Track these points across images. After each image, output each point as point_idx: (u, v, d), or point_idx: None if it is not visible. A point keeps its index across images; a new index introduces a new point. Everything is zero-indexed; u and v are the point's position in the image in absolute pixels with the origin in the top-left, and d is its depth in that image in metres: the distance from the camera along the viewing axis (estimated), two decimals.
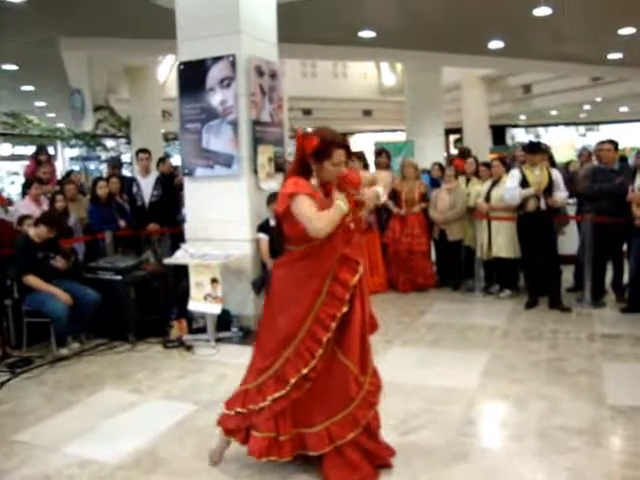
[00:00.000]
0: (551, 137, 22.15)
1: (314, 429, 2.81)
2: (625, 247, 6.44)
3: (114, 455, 3.32)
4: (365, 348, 2.95)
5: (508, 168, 6.84)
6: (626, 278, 6.31)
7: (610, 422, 3.55)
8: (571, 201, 7.30)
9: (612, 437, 3.42)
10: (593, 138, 19.48)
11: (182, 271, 5.53)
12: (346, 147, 2.87)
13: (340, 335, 2.86)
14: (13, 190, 14.28)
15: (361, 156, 7.61)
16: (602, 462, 3.08)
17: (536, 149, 6.31)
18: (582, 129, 23.58)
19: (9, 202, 7.45)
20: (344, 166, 2.89)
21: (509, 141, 23.10)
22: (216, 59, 5.52)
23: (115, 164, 8.66)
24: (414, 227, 7.26)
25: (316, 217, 2.71)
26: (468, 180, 7.41)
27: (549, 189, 6.08)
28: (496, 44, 10.49)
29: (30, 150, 12.71)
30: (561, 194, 6.20)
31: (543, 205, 6.07)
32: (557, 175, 6.25)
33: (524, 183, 6.11)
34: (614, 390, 4.01)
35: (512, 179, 6.25)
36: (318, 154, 2.79)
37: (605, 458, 3.14)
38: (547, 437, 3.36)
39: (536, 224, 6.09)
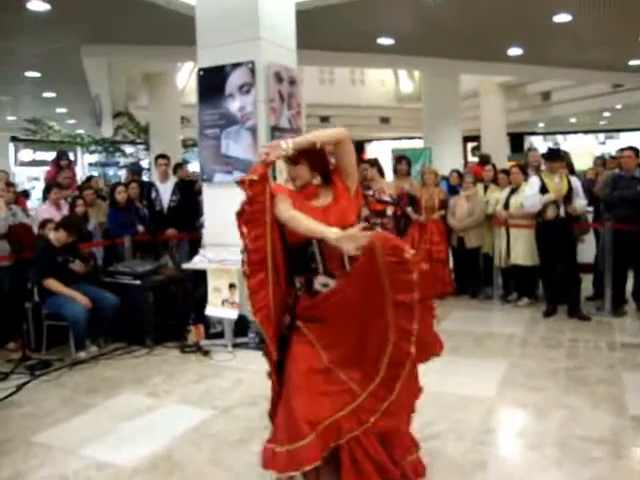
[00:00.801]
0: (570, 145, 21.95)
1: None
2: None
3: (131, 458, 3.34)
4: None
5: (527, 176, 6.80)
6: None
7: (632, 433, 3.50)
8: (589, 209, 7.23)
9: (634, 448, 3.37)
10: (613, 146, 19.28)
11: (200, 276, 5.56)
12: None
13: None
14: (34, 195, 14.44)
15: (375, 163, 7.60)
16: (623, 473, 3.04)
17: (555, 156, 6.27)
18: (602, 137, 23.35)
19: (25, 194, 7.46)
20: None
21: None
22: (235, 65, 5.56)
23: (135, 170, 8.74)
24: (433, 234, 7.23)
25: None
26: (486, 187, 7.37)
27: (568, 197, 6.04)
28: (515, 51, 10.43)
29: (50, 156, 12.85)
30: (581, 202, 6.15)
31: (562, 213, 6.02)
32: (576, 183, 6.20)
33: (543, 190, 6.07)
34: (635, 400, 3.95)
35: (532, 186, 6.21)
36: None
37: (627, 469, 3.10)
38: (567, 447, 3.32)
39: (555, 232, 6.04)
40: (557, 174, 6.11)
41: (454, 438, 3.48)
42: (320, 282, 2.62)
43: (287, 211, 2.56)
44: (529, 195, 6.20)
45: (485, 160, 8.48)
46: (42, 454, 3.44)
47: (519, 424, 3.81)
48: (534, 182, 6.19)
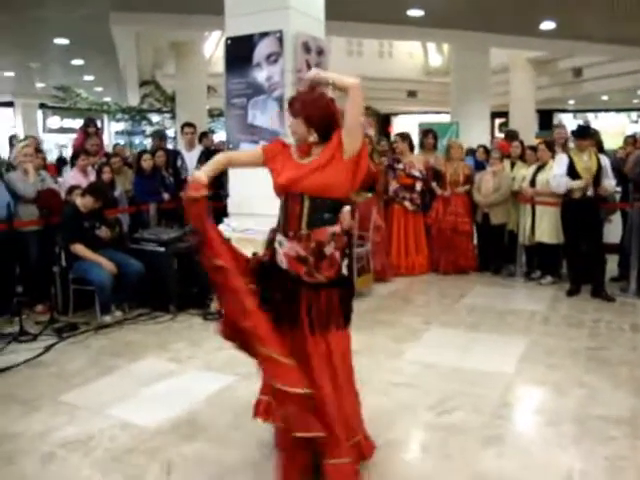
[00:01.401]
0: (601, 123, 21.49)
1: None
2: None
3: (154, 420, 3.42)
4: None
5: (554, 153, 6.70)
6: None
7: None
8: (618, 189, 7.11)
9: None
10: None
11: None
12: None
13: None
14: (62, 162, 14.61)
15: (407, 137, 7.55)
16: None
17: (585, 134, 6.14)
18: (634, 115, 22.82)
19: (63, 161, 7.53)
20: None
21: None
22: (263, 35, 5.52)
23: (160, 136, 8.77)
24: (457, 206, 7.22)
25: None
26: (513, 164, 7.29)
27: (597, 176, 5.94)
28: (547, 25, 10.18)
29: (78, 123, 12.96)
30: (610, 182, 6.05)
31: (590, 192, 5.93)
32: (606, 162, 6.09)
33: (572, 169, 5.97)
34: None
35: (559, 164, 6.11)
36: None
37: None
38: (585, 425, 3.33)
39: (582, 211, 5.96)
40: (586, 152, 6.01)
41: (472, 412, 3.50)
42: (278, 240, 2.68)
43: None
44: (556, 174, 6.11)
45: (511, 136, 8.34)
46: (69, 412, 3.54)
47: (537, 401, 3.82)
48: (562, 160, 6.09)
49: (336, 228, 2.65)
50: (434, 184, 7.29)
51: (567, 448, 3.08)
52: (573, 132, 6.39)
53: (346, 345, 2.73)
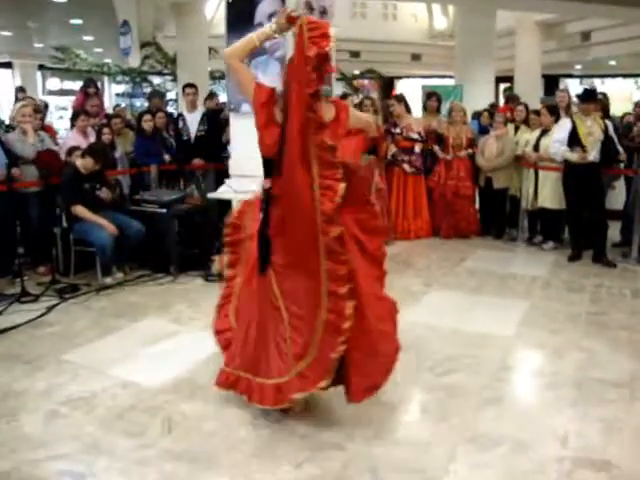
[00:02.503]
0: (607, 89, 21.17)
1: None
2: None
3: (155, 379, 3.46)
4: None
5: (558, 117, 6.61)
6: None
7: None
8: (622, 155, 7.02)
9: None
10: None
11: (226, 206, 5.58)
12: None
13: None
14: (61, 125, 14.46)
15: (402, 99, 7.46)
16: (637, 416, 3.07)
17: (590, 97, 6.02)
18: None
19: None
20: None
21: None
22: None
23: (160, 95, 8.65)
24: (460, 170, 7.16)
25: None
26: (517, 128, 7.21)
27: (603, 142, 5.83)
28: None
29: (78, 85, 12.78)
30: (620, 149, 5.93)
31: (592, 157, 5.85)
32: (612, 129, 5.96)
33: (573, 135, 5.88)
34: None
35: (560, 129, 6.01)
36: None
37: None
38: (582, 388, 3.35)
39: (584, 177, 5.89)
40: (590, 117, 5.91)
41: (472, 374, 3.53)
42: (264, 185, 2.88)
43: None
44: (556, 139, 6.03)
45: (512, 99, 8.24)
46: (71, 371, 3.58)
47: (536, 364, 3.85)
48: (564, 125, 5.99)
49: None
50: (436, 148, 7.22)
51: (564, 410, 3.11)
52: (578, 96, 6.28)
53: None
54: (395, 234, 7.03)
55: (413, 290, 5.19)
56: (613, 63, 19.85)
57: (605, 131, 5.89)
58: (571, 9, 12.26)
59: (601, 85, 22.02)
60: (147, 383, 3.42)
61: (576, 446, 2.78)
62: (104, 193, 5.53)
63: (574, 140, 5.88)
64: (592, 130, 5.85)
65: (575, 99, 6.64)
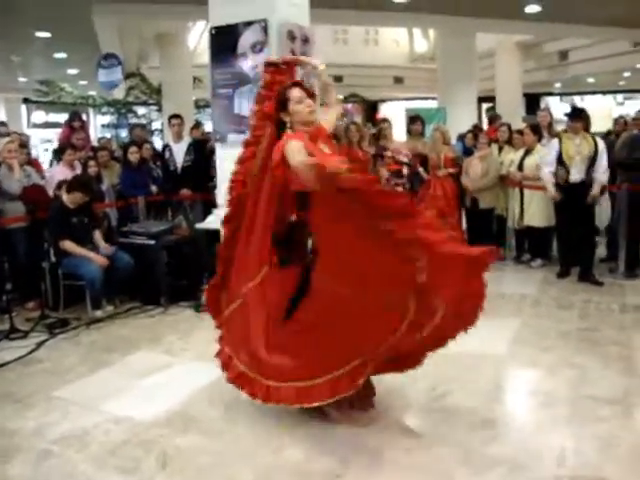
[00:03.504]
0: (587, 106, 21.52)
1: None
2: None
3: (148, 413, 3.42)
4: None
5: (540, 136, 6.70)
6: None
7: None
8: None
9: None
10: (632, 107, 18.91)
11: (213, 236, 5.58)
12: (298, 84, 3.08)
13: None
14: (47, 158, 14.47)
15: (387, 121, 7.56)
16: (632, 432, 3.07)
17: (577, 115, 6.03)
18: (620, 97, 22.88)
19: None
20: (309, 100, 3.00)
21: None
22: (248, 24, 5.47)
23: (142, 126, 8.69)
24: (436, 189, 7.20)
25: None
26: (501, 148, 7.30)
27: (593, 159, 5.84)
28: (532, 8, 10.18)
29: (63, 118, 12.82)
30: (601, 176, 5.90)
31: (583, 176, 5.83)
32: (603, 147, 5.93)
33: (560, 156, 5.90)
34: None
35: (548, 152, 6.01)
36: (281, 104, 2.98)
37: (635, 428, 3.13)
38: (577, 405, 3.36)
39: (576, 195, 5.87)
40: (579, 135, 5.93)
41: (466, 395, 3.53)
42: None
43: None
44: (545, 162, 6.07)
45: (493, 119, 8.36)
46: (63, 408, 3.54)
47: (530, 382, 3.86)
48: (552, 146, 5.99)
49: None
50: (421, 170, 7.28)
51: (559, 429, 3.11)
52: (567, 114, 6.33)
53: None
54: None
55: None
56: (592, 80, 20.20)
57: (595, 148, 5.87)
58: (548, 30, 12.54)
59: (581, 102, 22.40)
60: (140, 417, 3.38)
61: (573, 465, 2.77)
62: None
63: (558, 160, 5.91)
64: (581, 149, 5.85)
65: (559, 117, 6.68)
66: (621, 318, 4.95)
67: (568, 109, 7.38)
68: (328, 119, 3.19)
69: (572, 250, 6.22)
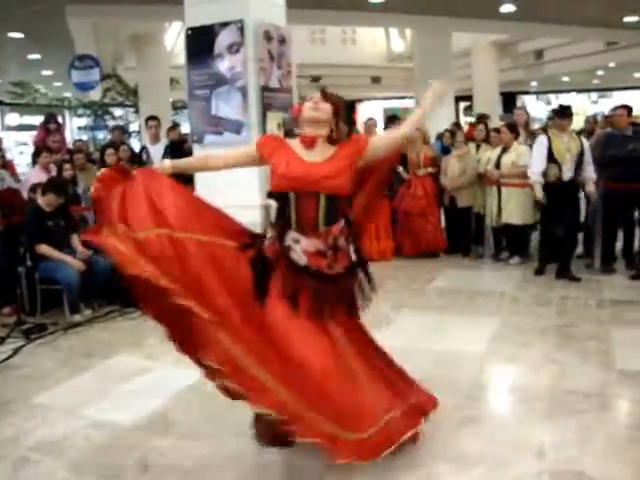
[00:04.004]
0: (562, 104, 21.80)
1: None
2: (637, 214, 6.40)
3: (128, 417, 3.39)
4: None
5: (517, 134, 6.75)
6: (637, 245, 6.28)
7: (618, 386, 3.59)
8: None
9: (620, 400, 3.47)
10: (606, 105, 19.19)
11: None
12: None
13: None
14: (23, 160, 14.26)
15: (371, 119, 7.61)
16: (608, 424, 3.12)
17: (565, 113, 6.02)
18: (594, 96, 23.22)
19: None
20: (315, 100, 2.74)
21: None
22: (224, 24, 5.45)
23: (121, 129, 8.63)
24: (417, 189, 7.26)
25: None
26: (478, 146, 7.36)
27: (580, 158, 5.87)
28: (507, 8, 10.28)
29: (38, 120, 12.66)
30: (591, 174, 5.95)
31: (570, 174, 5.86)
32: (587, 146, 5.98)
33: (549, 153, 5.89)
34: (623, 355, 4.03)
35: (538, 149, 6.00)
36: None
37: (611, 420, 3.20)
38: (555, 400, 3.40)
39: (564, 193, 5.89)
40: (567, 133, 5.95)
41: (445, 393, 3.53)
42: (292, 237, 2.66)
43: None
44: (533, 162, 6.04)
45: (480, 118, 8.44)
46: (42, 414, 3.49)
47: (509, 379, 3.89)
48: (541, 144, 5.97)
49: (342, 221, 2.75)
50: (400, 168, 7.32)
51: (539, 424, 3.15)
52: (554, 111, 6.29)
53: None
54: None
55: (384, 313, 5.21)
56: (566, 79, 20.46)
57: (581, 147, 5.90)
58: (523, 29, 12.67)
59: (556, 100, 22.69)
60: (120, 421, 3.35)
61: (553, 459, 2.80)
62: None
63: (550, 157, 5.89)
64: (570, 146, 5.87)
65: (542, 116, 6.70)
66: (598, 313, 5.02)
67: (544, 107, 7.45)
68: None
69: (554, 247, 6.25)
